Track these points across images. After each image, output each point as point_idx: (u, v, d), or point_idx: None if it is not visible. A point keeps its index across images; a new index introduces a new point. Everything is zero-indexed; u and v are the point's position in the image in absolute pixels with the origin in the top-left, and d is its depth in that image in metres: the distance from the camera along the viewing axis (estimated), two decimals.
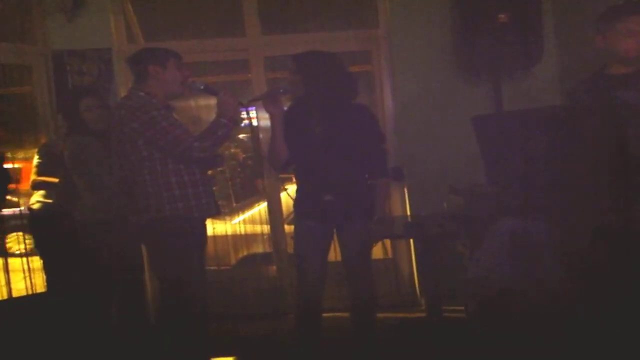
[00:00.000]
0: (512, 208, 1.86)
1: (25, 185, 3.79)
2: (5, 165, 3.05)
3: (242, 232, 5.01)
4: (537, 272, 1.76)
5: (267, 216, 4.31)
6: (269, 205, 4.26)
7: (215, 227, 4.52)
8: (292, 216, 3.26)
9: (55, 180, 3.42)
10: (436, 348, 3.03)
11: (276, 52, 3.99)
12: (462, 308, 3.34)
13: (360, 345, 3.03)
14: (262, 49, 4.02)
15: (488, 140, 1.94)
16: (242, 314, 4.09)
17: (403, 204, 4.14)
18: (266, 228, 4.48)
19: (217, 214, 3.04)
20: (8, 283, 3.81)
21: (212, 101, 2.83)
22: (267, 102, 2.85)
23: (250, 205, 5.43)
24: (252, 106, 3.27)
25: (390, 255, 4.45)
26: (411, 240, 4.13)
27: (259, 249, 4.94)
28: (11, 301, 3.66)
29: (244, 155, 5.94)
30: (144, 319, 3.51)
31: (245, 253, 5.04)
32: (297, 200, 2.96)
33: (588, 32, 3.42)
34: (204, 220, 2.93)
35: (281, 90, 2.87)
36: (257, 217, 5.04)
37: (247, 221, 5.20)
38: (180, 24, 4.06)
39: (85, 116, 3.26)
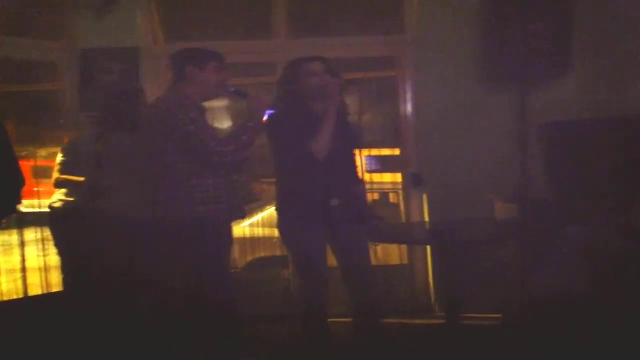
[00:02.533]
0: (581, 216, 1.87)
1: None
2: (26, 163, 3.04)
3: (256, 236, 5.02)
4: (608, 280, 1.78)
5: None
6: None
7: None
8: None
9: (81, 179, 3.41)
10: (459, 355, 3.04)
11: (303, 56, 3.99)
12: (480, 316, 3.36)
13: (365, 350, 3.04)
14: (289, 52, 4.02)
15: (556, 148, 1.95)
16: (258, 316, 4.08)
17: (421, 211, 4.15)
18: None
19: (242, 218, 3.04)
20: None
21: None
22: (336, 90, 2.84)
23: (260, 208, 5.44)
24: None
25: (406, 261, 4.47)
26: (428, 247, 4.14)
27: (273, 252, 4.95)
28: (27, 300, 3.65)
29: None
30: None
31: (257, 256, 5.05)
32: (295, 207, 2.93)
33: (617, 44, 3.47)
34: (228, 224, 2.91)
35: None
36: (269, 220, 5.05)
37: (258, 224, 5.21)
38: (206, 25, 4.06)
39: (130, 115, 3.21)
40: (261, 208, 5.43)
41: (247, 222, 5.20)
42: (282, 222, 2.99)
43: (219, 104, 4.04)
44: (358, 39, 4.10)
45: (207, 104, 2.92)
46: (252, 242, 5.04)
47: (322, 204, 2.86)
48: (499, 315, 3.20)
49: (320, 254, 2.94)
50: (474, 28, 3.86)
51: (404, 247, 4.45)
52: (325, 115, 2.81)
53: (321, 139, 2.79)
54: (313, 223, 2.87)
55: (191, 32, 3.93)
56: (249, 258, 5.04)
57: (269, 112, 2.83)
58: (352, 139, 3.06)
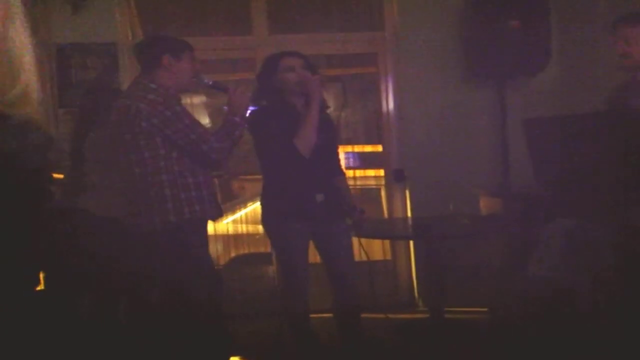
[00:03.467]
0: (568, 209, 1.89)
1: None
2: None
3: (238, 232, 4.98)
4: (598, 272, 1.79)
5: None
6: None
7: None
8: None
9: (60, 176, 3.35)
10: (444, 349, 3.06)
11: (281, 50, 3.97)
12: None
13: (346, 345, 3.06)
14: (269, 48, 3.99)
15: (542, 143, 1.96)
16: (240, 313, 4.05)
17: (404, 206, 4.16)
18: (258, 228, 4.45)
19: (220, 216, 3.01)
20: None
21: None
22: (318, 86, 2.82)
23: (241, 205, 5.40)
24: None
25: (389, 256, 4.47)
26: (411, 242, 4.16)
27: (255, 249, 4.92)
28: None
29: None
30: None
31: (240, 253, 5.01)
32: (279, 202, 2.91)
33: (593, 40, 3.51)
34: (206, 223, 2.84)
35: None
36: (252, 217, 5.02)
37: (240, 221, 5.17)
38: (185, 20, 4.01)
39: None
40: (244, 204, 5.40)
41: (229, 219, 5.18)
42: (266, 217, 2.97)
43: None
44: (339, 35, 4.09)
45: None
46: (235, 238, 5.00)
47: (307, 200, 2.85)
48: (484, 310, 3.22)
49: (302, 250, 2.93)
50: (454, 24, 3.88)
51: (387, 242, 4.45)
52: (309, 111, 2.80)
53: (306, 136, 2.78)
54: (297, 218, 2.86)
55: (170, 27, 3.87)
56: (232, 255, 5.01)
57: (250, 107, 2.81)
58: (333, 134, 3.06)
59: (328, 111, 3.06)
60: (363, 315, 3.14)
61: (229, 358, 2.97)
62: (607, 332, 1.77)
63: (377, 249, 4.61)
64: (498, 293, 2.71)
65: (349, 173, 4.29)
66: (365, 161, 4.77)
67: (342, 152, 4.60)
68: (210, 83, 2.78)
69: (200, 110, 4.39)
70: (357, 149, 4.69)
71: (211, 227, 4.54)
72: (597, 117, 1.90)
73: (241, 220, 5.18)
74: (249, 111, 2.76)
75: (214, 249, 4.73)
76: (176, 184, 2.57)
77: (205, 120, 4.35)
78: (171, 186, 2.56)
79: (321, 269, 3.13)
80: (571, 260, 1.86)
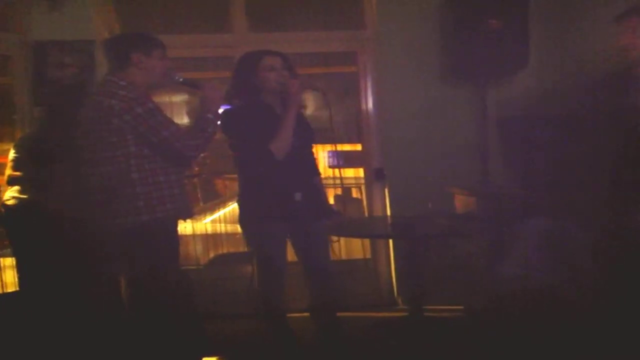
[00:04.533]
0: (543, 208, 1.90)
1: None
2: None
3: (216, 232, 4.96)
4: (572, 271, 1.81)
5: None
6: None
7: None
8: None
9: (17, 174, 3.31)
10: (430, 347, 3.07)
11: (261, 49, 3.95)
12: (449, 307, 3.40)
13: (327, 345, 3.06)
14: (248, 46, 3.97)
15: (516, 143, 1.97)
16: (218, 313, 4.04)
17: (384, 205, 4.17)
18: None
19: (190, 216, 2.97)
20: None
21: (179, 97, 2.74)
22: (298, 89, 2.80)
23: (220, 205, 5.39)
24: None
25: (368, 255, 4.49)
26: (390, 241, 4.17)
27: (234, 248, 4.90)
28: None
29: (202, 154, 5.83)
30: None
31: (218, 253, 4.99)
32: (257, 202, 2.90)
33: (573, 39, 3.54)
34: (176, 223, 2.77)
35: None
36: (230, 216, 5.00)
37: (219, 221, 5.15)
38: (163, 17, 3.98)
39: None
40: (223, 204, 5.39)
41: (208, 219, 5.15)
42: (243, 217, 2.96)
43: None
44: (318, 34, 4.09)
45: None
46: (213, 238, 4.98)
47: (285, 199, 2.84)
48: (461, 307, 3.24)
49: (281, 249, 2.93)
50: (434, 23, 3.90)
51: (367, 240, 4.46)
52: (286, 115, 2.79)
53: (282, 140, 2.77)
54: (275, 218, 2.85)
55: (148, 25, 3.84)
56: (211, 255, 4.99)
57: (224, 106, 2.78)
58: (309, 135, 3.07)
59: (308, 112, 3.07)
60: (343, 313, 3.15)
61: (201, 358, 2.96)
62: (582, 329, 1.79)
63: (356, 247, 4.63)
64: (474, 291, 2.73)
65: (329, 172, 4.31)
66: (345, 160, 4.77)
67: (324, 151, 4.62)
68: (182, 80, 2.72)
69: (180, 108, 4.37)
70: (338, 147, 4.69)
71: (192, 227, 4.60)
72: (571, 116, 1.91)
73: (220, 219, 5.17)
74: (222, 110, 2.74)
75: (194, 249, 4.73)
76: (148, 182, 2.53)
77: (184, 119, 4.33)
78: (142, 184, 2.53)
79: (297, 268, 3.13)
80: (546, 259, 1.88)
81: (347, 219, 3.23)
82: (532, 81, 3.84)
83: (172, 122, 2.57)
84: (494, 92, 3.84)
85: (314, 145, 3.17)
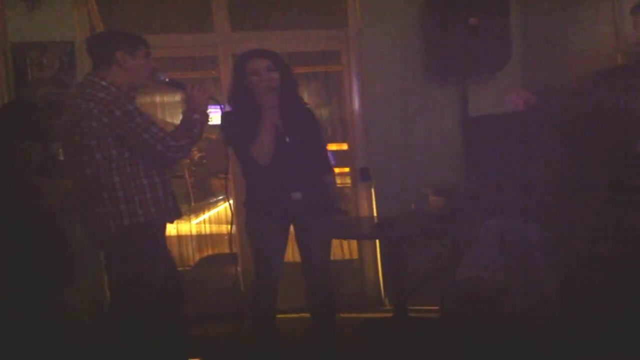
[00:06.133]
0: (502, 208, 1.88)
1: None
2: None
3: (206, 232, 4.93)
4: (529, 273, 1.78)
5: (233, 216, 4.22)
6: (234, 205, 4.18)
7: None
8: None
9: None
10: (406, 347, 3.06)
11: (245, 49, 3.92)
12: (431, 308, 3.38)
13: (321, 345, 3.03)
14: (231, 45, 3.96)
15: (478, 142, 1.95)
16: (207, 314, 4.02)
17: (370, 205, 4.15)
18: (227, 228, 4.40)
19: (179, 217, 2.87)
20: None
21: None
22: (267, 93, 2.74)
23: (211, 206, 5.36)
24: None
25: (355, 255, 4.46)
26: (377, 241, 4.16)
27: (222, 249, 4.88)
28: None
29: (199, 154, 5.80)
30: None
31: (208, 253, 4.97)
32: (255, 200, 2.90)
33: (554, 37, 3.53)
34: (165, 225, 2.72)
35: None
36: (220, 216, 4.97)
37: (210, 221, 5.13)
38: (146, 17, 3.96)
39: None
40: (215, 204, 5.36)
41: (200, 218, 5.13)
42: (246, 217, 2.95)
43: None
44: (301, 33, 4.06)
45: None
46: (203, 238, 4.96)
47: (282, 198, 2.81)
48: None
49: (277, 249, 2.90)
50: (416, 21, 3.88)
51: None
52: (260, 122, 2.73)
53: (259, 146, 2.73)
54: (272, 217, 2.84)
55: (129, 25, 3.81)
56: (201, 255, 4.96)
57: (214, 105, 2.75)
58: (314, 130, 2.98)
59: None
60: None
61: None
62: (539, 332, 1.77)
63: (344, 248, 4.60)
64: (442, 293, 2.72)
65: None
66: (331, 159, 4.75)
67: None
68: (167, 80, 2.68)
69: (171, 108, 4.34)
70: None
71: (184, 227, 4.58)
72: (532, 116, 1.89)
73: (210, 220, 5.15)
74: (220, 112, 2.73)
75: (184, 249, 4.71)
76: (129, 185, 2.48)
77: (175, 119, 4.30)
78: (124, 188, 2.47)
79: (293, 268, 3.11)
80: (503, 260, 1.86)
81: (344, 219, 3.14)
82: (514, 79, 3.83)
83: (154, 124, 2.49)
84: (475, 90, 3.83)
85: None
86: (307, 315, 3.13)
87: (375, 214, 4.05)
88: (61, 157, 3.43)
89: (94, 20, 3.95)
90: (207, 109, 2.60)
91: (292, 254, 3.08)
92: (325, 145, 3.09)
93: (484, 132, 1.94)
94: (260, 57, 2.82)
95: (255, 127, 2.73)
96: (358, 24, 3.99)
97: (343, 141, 4.41)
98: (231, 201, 3.30)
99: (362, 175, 4.08)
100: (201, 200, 5.64)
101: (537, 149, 1.67)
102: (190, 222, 4.96)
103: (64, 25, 3.69)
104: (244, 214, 2.98)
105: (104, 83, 2.47)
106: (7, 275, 3.05)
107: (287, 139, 2.81)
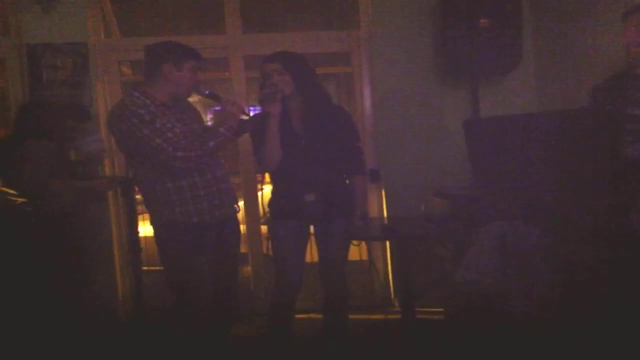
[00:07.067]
0: (502, 211, 1.88)
1: None
2: None
3: None
4: (528, 276, 1.78)
5: (243, 216, 4.25)
6: (245, 205, 4.21)
7: None
8: (266, 216, 3.22)
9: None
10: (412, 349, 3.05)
11: (256, 51, 3.94)
12: (439, 310, 3.37)
13: (333, 345, 3.03)
14: (242, 47, 3.99)
15: (478, 144, 1.95)
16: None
17: (380, 206, 4.15)
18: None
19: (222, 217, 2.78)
20: None
21: None
22: (268, 101, 2.73)
23: None
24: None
25: (365, 256, 4.47)
26: (387, 242, 4.15)
27: None
28: None
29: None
30: None
31: None
32: (275, 201, 2.93)
33: (565, 39, 3.51)
34: (213, 224, 2.70)
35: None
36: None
37: None
38: (159, 19, 4.00)
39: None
40: None
41: None
42: (268, 218, 3.00)
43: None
44: (312, 35, 4.09)
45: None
46: None
47: (295, 200, 2.82)
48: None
49: (295, 249, 2.89)
50: (428, 23, 3.88)
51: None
52: (268, 129, 2.74)
53: (267, 151, 2.77)
54: (286, 218, 2.85)
55: (143, 27, 3.86)
56: None
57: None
58: (340, 131, 2.90)
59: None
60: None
61: None
62: (538, 337, 1.77)
63: (353, 249, 4.60)
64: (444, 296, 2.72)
65: None
66: None
67: None
68: (207, 92, 2.70)
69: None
70: None
71: None
72: (533, 118, 1.89)
73: None
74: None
75: None
76: (155, 188, 2.59)
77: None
78: (151, 191, 2.61)
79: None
80: (502, 264, 1.86)
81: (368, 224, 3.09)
82: (525, 80, 3.81)
83: (161, 134, 2.50)
84: (486, 91, 3.82)
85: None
86: (318, 316, 3.14)
87: (385, 215, 4.05)
88: (72, 158, 3.51)
89: (108, 22, 4.00)
90: (235, 124, 2.62)
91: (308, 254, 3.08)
92: (357, 146, 2.97)
93: (483, 134, 1.94)
94: (268, 60, 2.81)
95: (263, 134, 2.76)
96: (369, 26, 4.00)
97: None
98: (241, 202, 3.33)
99: (372, 177, 4.07)
100: None
101: (538, 152, 1.67)
102: None
103: (78, 26, 3.74)
104: (270, 215, 3.00)
105: (136, 94, 2.57)
106: (19, 276, 3.12)
107: (303, 142, 2.81)
